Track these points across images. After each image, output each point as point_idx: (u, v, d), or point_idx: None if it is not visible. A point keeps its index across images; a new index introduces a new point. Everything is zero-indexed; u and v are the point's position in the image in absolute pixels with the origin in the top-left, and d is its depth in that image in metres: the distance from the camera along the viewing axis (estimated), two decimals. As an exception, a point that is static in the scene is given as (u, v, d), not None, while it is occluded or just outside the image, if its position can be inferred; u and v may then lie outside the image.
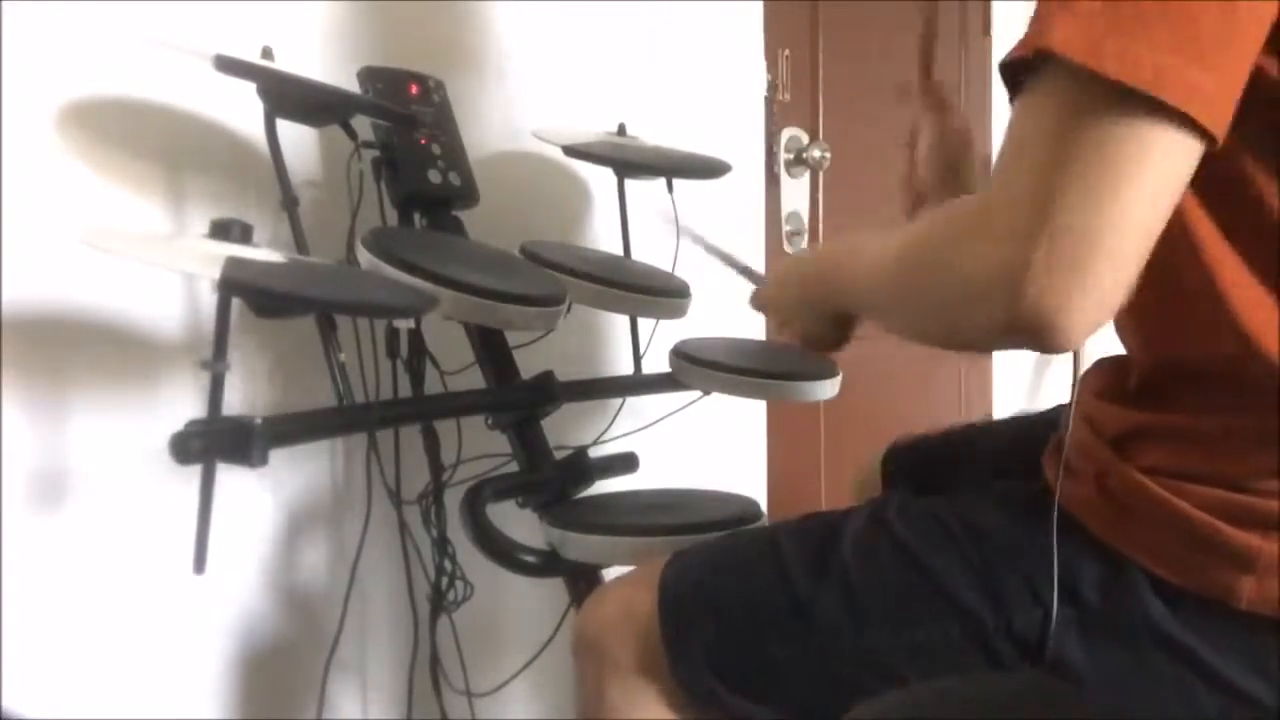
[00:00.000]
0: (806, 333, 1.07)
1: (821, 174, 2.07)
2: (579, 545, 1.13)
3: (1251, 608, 0.71)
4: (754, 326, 1.91)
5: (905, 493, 0.90)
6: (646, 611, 0.92)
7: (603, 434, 1.44)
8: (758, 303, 1.19)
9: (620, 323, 1.52)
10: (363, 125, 1.22)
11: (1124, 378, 0.82)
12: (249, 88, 1.08)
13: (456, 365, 1.29)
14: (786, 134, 2.01)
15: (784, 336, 1.13)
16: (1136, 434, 0.78)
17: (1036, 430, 0.89)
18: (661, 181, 1.45)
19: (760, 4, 1.91)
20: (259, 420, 0.92)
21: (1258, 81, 0.64)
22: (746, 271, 1.30)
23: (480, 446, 1.28)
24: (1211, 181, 0.66)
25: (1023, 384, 2.66)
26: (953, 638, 0.81)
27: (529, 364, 1.26)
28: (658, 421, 1.45)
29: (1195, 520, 0.73)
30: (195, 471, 0.88)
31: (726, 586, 0.92)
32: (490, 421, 1.25)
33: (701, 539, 1.02)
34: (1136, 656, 0.75)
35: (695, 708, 0.92)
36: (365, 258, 1.04)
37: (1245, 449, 0.72)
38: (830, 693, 0.85)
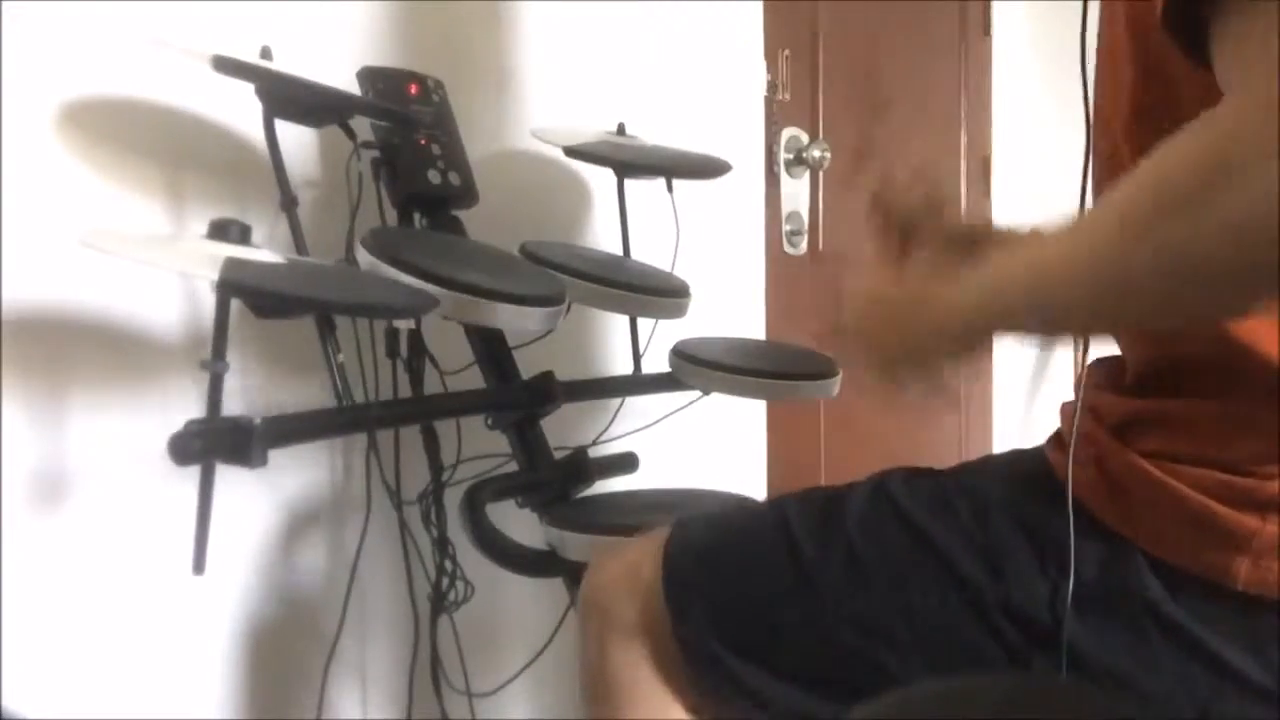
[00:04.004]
0: (916, 359, 0.82)
1: (821, 174, 2.07)
2: (579, 545, 1.13)
3: (1248, 589, 0.72)
4: (754, 326, 1.91)
5: (910, 471, 0.90)
6: (651, 574, 0.93)
7: (602, 433, 1.44)
8: (844, 332, 0.89)
9: (620, 323, 1.52)
10: (362, 125, 1.22)
11: (1121, 372, 0.83)
12: (248, 88, 1.08)
13: (456, 365, 1.29)
14: (786, 134, 2.01)
15: (885, 379, 0.85)
16: (1135, 421, 0.78)
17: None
18: (661, 181, 1.46)
19: (760, 4, 1.91)
20: (259, 420, 0.92)
21: None
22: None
23: (480, 446, 1.28)
24: None
25: (1024, 374, 2.67)
26: (951, 606, 0.81)
27: (529, 364, 1.26)
28: (658, 421, 1.46)
29: (1190, 501, 0.73)
30: (195, 471, 0.88)
31: (731, 550, 0.92)
32: (490, 421, 1.25)
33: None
34: (1135, 636, 0.76)
35: (696, 672, 0.92)
36: (365, 258, 1.04)
37: (1241, 434, 0.73)
38: (830, 658, 0.85)
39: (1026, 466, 0.86)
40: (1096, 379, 0.85)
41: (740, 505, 1.03)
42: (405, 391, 1.25)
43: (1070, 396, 0.87)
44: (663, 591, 0.92)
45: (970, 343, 0.78)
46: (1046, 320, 0.71)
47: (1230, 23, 0.59)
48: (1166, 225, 0.57)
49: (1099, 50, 0.80)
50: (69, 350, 1.13)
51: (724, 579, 0.91)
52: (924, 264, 1.15)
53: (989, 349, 0.79)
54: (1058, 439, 0.85)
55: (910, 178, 1.17)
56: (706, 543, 0.94)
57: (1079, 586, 0.77)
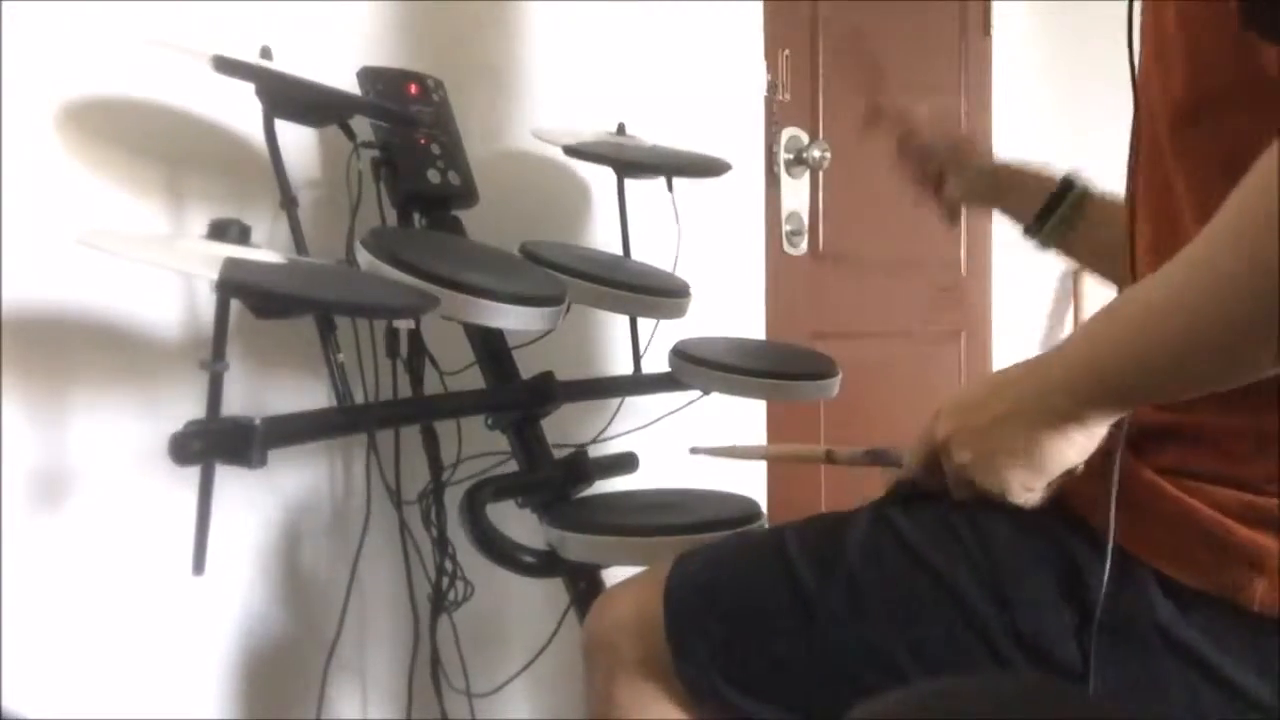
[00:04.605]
0: (1012, 459, 0.77)
1: (821, 174, 2.07)
2: (579, 545, 1.13)
3: (1263, 609, 0.71)
4: (754, 326, 1.91)
5: (909, 496, 0.89)
6: (654, 612, 0.92)
7: (602, 432, 1.44)
8: (924, 448, 0.84)
9: (620, 323, 1.52)
10: (362, 125, 1.22)
11: None
12: (248, 88, 1.08)
13: (456, 365, 1.29)
14: (786, 134, 2.01)
15: (965, 487, 0.82)
16: (1151, 435, 0.77)
17: None
18: (662, 181, 1.45)
19: (760, 4, 1.91)
20: (258, 420, 0.92)
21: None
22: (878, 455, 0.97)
23: (480, 446, 1.28)
24: (1232, 172, 0.65)
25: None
26: (956, 634, 0.80)
27: (529, 364, 1.26)
28: (657, 420, 1.45)
29: (1207, 520, 0.72)
30: (195, 472, 0.88)
31: (731, 585, 0.92)
32: (490, 421, 1.25)
33: (703, 539, 1.02)
34: (1144, 658, 0.75)
35: (701, 707, 0.92)
36: (365, 258, 1.04)
37: (1262, 451, 0.72)
38: (834, 690, 0.84)
39: None
40: None
41: (739, 537, 1.02)
42: (405, 391, 1.25)
43: None
44: (664, 627, 0.91)
45: (1072, 416, 0.74)
46: (1160, 362, 0.68)
47: None
48: None
49: (1144, 46, 0.79)
50: (69, 350, 1.13)
51: (724, 613, 0.90)
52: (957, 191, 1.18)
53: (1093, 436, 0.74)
54: None
55: (929, 118, 1.17)
56: (706, 577, 0.93)
57: (1088, 608, 0.76)
